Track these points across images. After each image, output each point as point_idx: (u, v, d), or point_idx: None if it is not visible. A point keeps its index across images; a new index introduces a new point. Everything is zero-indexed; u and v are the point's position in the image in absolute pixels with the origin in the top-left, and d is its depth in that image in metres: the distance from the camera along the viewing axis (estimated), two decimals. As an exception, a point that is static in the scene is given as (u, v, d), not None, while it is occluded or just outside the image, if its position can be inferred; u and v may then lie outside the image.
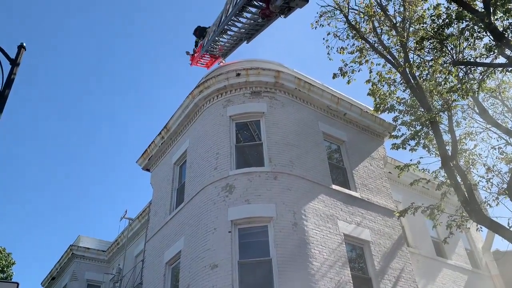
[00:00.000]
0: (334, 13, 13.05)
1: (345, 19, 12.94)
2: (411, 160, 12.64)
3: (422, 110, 11.85)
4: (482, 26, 9.33)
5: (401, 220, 14.12)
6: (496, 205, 11.87)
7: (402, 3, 12.56)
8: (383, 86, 12.64)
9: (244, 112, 13.34)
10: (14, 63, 7.33)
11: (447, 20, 9.97)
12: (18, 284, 5.42)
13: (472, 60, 10.66)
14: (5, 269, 21.02)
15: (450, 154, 11.27)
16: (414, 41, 11.73)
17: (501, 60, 10.37)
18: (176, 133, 15.41)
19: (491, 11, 8.99)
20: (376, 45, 12.74)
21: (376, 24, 12.96)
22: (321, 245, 11.08)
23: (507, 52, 9.42)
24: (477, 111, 12.31)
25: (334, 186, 12.77)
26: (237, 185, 11.81)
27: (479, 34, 9.99)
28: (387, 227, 13.19)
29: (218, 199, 11.74)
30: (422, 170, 12.94)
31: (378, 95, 12.54)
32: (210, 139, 13.18)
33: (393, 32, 12.68)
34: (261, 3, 9.04)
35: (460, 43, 10.46)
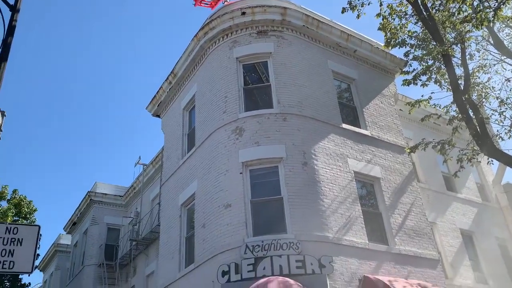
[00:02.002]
0: None
1: None
2: (422, 96, 12.44)
3: (434, 43, 11.48)
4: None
5: (411, 156, 14.18)
6: (508, 138, 11.77)
7: None
8: (394, 19, 12.16)
9: (251, 53, 13.09)
10: (14, 9, 7.17)
11: None
12: (39, 227, 5.65)
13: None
14: (27, 216, 21.90)
15: (462, 88, 11.05)
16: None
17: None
18: (183, 78, 15.28)
19: None
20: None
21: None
22: (331, 183, 11.25)
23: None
24: (492, 42, 11.89)
25: (344, 125, 12.74)
26: (247, 127, 11.84)
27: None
28: (398, 163, 13.27)
29: (229, 142, 11.83)
30: (433, 106, 12.77)
31: (388, 29, 12.10)
32: (217, 83, 13.06)
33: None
34: None
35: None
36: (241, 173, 11.26)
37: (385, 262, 10.92)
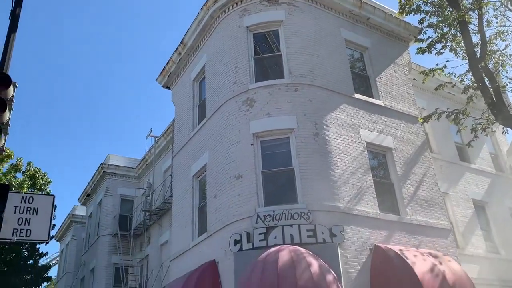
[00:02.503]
0: None
1: None
2: (436, 64, 12.15)
3: (450, 9, 11.13)
4: None
5: (424, 126, 14.00)
6: (525, 107, 11.53)
7: None
8: (409, -16, 11.78)
9: (262, 22, 12.84)
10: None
11: None
12: (54, 196, 5.73)
13: None
14: (42, 187, 22.33)
15: (478, 55, 10.77)
16: None
17: None
18: (193, 48, 15.12)
19: None
20: None
21: None
22: (343, 154, 11.20)
23: None
24: (511, 8, 11.48)
25: (356, 95, 12.57)
26: (257, 98, 11.74)
27: None
28: (410, 133, 13.13)
29: (239, 114, 11.78)
30: (448, 75, 12.49)
31: (403, -5, 11.75)
32: (227, 53, 12.90)
33: None
34: None
35: None
36: (252, 144, 11.25)
37: (396, 231, 10.95)
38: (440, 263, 10.15)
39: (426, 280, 9.34)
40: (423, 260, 10.02)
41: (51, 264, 29.67)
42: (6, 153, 20.11)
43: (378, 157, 12.34)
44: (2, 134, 4.99)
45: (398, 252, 9.96)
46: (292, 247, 9.53)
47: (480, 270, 12.65)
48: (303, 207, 10.22)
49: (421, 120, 12.59)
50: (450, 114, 11.66)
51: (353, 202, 10.65)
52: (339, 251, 9.80)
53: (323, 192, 10.44)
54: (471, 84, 11.88)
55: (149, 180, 21.06)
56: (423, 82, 12.99)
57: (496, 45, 12.19)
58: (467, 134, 13.30)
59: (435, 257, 10.43)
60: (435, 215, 12.02)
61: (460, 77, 12.41)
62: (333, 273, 9.16)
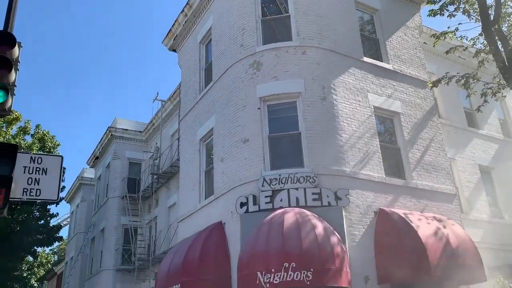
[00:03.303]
0: None
1: None
2: (448, 27, 11.86)
3: (465, -32, 10.74)
4: None
5: (433, 91, 13.82)
6: (537, 71, 11.27)
7: None
8: None
9: (269, -18, 12.49)
10: None
11: None
12: (62, 157, 5.80)
13: None
14: (51, 150, 22.60)
15: (492, 18, 10.46)
16: None
17: None
18: (199, 9, 14.82)
19: None
20: None
21: None
22: (350, 118, 11.14)
23: None
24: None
25: (365, 59, 12.36)
26: (265, 61, 11.59)
27: None
28: (419, 98, 12.98)
29: (246, 77, 11.67)
30: (460, 38, 12.20)
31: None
32: (234, 14, 12.64)
33: None
34: None
35: None
36: (259, 108, 11.20)
37: (401, 195, 11.03)
38: (444, 227, 10.26)
39: (429, 243, 9.47)
40: (427, 224, 10.13)
41: (62, 224, 30.44)
42: (14, 115, 20.28)
43: (386, 122, 12.27)
44: (9, 94, 4.99)
45: (403, 215, 10.07)
46: (297, 209, 9.66)
47: (484, 234, 12.78)
48: (309, 171, 10.28)
49: (430, 85, 12.40)
50: (460, 78, 11.47)
51: (359, 167, 10.69)
52: (343, 214, 9.93)
53: (329, 156, 10.47)
54: (483, 48, 11.62)
55: (156, 144, 21.21)
56: (434, 46, 12.71)
57: (511, 7, 11.82)
58: (477, 99, 13.13)
59: (439, 221, 10.54)
60: (440, 180, 12.05)
61: (472, 41, 12.12)
62: (338, 235, 9.32)
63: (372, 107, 11.75)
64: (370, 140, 11.23)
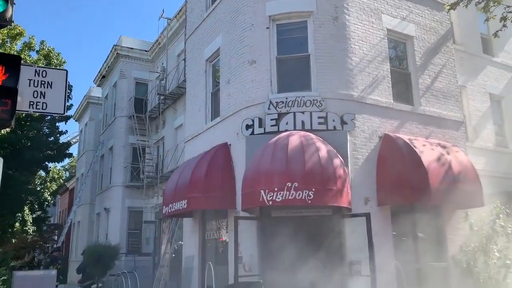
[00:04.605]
0: None
1: None
2: None
3: None
4: None
5: (450, 14, 13.19)
6: None
7: None
8: None
9: None
10: None
11: None
12: (67, 71, 5.74)
13: None
14: (57, 67, 22.44)
15: None
16: None
17: None
18: None
19: None
20: None
21: None
22: (361, 40, 10.78)
23: None
24: None
25: (381, -23, 11.67)
26: (275, -24, 10.98)
27: None
28: (435, 21, 12.45)
29: (255, -7, 11.13)
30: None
31: None
32: None
33: None
34: None
35: None
36: (267, 28, 10.84)
37: (408, 121, 11.00)
38: (448, 153, 10.34)
39: (432, 168, 9.60)
40: (431, 150, 10.20)
41: (72, 142, 31.10)
42: (17, 30, 19.87)
43: (398, 46, 11.90)
44: (8, 3, 4.81)
45: (407, 141, 10.11)
46: (302, 132, 9.71)
47: (487, 162, 12.89)
48: (316, 94, 10.18)
49: (448, 7, 11.77)
50: (480, 1, 10.87)
51: (367, 91, 10.55)
52: (348, 138, 9.99)
53: (338, 79, 10.30)
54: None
55: (162, 64, 20.91)
56: (456, -36, 11.89)
57: None
58: (495, 24, 12.54)
59: (444, 147, 10.60)
60: (449, 107, 11.93)
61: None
62: (341, 158, 9.44)
63: (385, 29, 11.32)
64: (381, 64, 10.96)
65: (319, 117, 10.02)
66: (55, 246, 24.03)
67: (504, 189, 12.66)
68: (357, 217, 9.28)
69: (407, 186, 9.52)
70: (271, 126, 10.19)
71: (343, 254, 9.41)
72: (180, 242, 14.21)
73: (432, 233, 10.59)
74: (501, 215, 10.40)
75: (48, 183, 37.81)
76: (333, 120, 10.02)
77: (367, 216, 8.97)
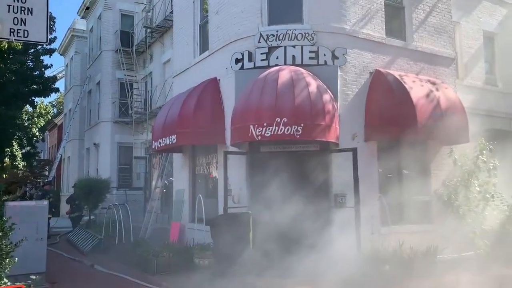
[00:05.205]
0: None
1: None
2: None
3: None
4: None
5: None
6: None
7: None
8: None
9: None
10: None
11: None
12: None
13: None
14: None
15: None
16: None
17: None
18: None
19: None
20: None
21: None
22: (356, -29, 10.36)
23: None
24: None
25: None
26: None
27: None
28: (433, -48, 11.93)
29: None
30: None
31: None
32: None
33: None
34: None
35: None
36: (258, -46, 10.31)
37: (399, 57, 10.89)
38: (437, 90, 10.35)
39: (420, 104, 9.65)
40: (421, 86, 10.20)
41: (58, 77, 30.40)
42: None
43: (394, -22, 11.48)
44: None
45: (398, 77, 10.06)
46: (292, 67, 9.59)
47: (475, 100, 12.96)
48: (307, 27, 9.94)
49: None
50: None
51: (360, 25, 10.32)
52: (339, 73, 9.90)
53: (330, 12, 10.02)
54: None
55: (149, -6, 20.01)
56: None
57: None
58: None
59: (433, 84, 10.59)
60: (441, 43, 11.78)
61: None
62: (330, 93, 9.42)
63: (381, -41, 10.86)
64: (375, -3, 10.63)
65: (310, 52, 9.86)
66: (46, 180, 24.29)
67: (490, 127, 12.90)
68: (344, 152, 9.43)
69: (395, 122, 9.60)
70: (261, 60, 10.02)
71: (329, 188, 9.68)
72: (170, 178, 14.43)
73: (417, 168, 10.86)
74: (484, 152, 10.64)
75: (36, 119, 37.47)
76: (324, 55, 9.87)
77: (354, 151, 9.12)
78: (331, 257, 8.01)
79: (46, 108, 42.32)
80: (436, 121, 9.77)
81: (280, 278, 8.09)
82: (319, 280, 7.87)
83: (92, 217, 17.12)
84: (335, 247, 8.37)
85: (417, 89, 9.96)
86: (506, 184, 10.43)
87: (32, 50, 22.40)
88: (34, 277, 6.49)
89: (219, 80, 11.01)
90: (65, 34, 29.94)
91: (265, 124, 8.82)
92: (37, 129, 34.48)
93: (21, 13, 5.27)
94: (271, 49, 9.99)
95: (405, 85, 9.80)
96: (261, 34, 10.04)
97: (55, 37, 22.86)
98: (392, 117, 9.65)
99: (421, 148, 10.53)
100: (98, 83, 23.06)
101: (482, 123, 12.03)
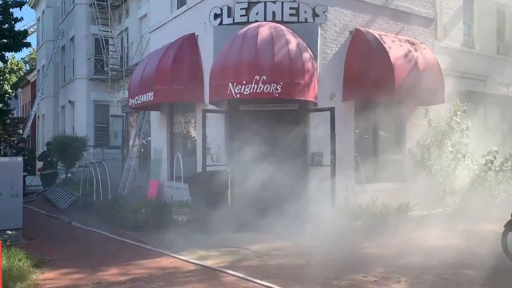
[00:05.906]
0: None
1: None
2: None
3: None
4: None
5: None
6: None
7: None
8: None
9: None
10: None
11: None
12: None
13: None
14: None
15: None
16: None
17: None
18: None
19: None
20: None
21: None
22: None
23: None
24: None
25: None
26: None
27: None
28: None
29: None
30: None
31: None
32: None
33: None
34: None
35: None
36: None
37: (379, 16, 10.81)
38: (415, 50, 10.38)
39: (398, 64, 9.68)
40: (400, 46, 10.20)
41: (29, 31, 29.11)
42: None
43: None
44: None
45: (377, 36, 10.02)
46: (272, 24, 9.41)
47: (452, 61, 13.07)
48: (288, -17, 9.69)
49: None
50: None
51: (341, -18, 10.13)
52: (319, 31, 9.80)
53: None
54: None
55: None
56: None
57: None
58: None
59: (412, 44, 10.60)
60: (421, 3, 11.73)
61: None
62: (310, 52, 9.34)
63: None
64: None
65: (290, 8, 9.68)
66: (20, 138, 23.75)
67: (465, 88, 13.10)
68: (322, 112, 9.48)
69: (373, 82, 9.64)
70: (241, 16, 9.81)
71: (307, 146, 9.79)
72: (148, 138, 14.31)
73: (393, 128, 11.07)
74: (458, 112, 10.87)
75: (8, 75, 36.16)
76: (305, 12, 9.71)
77: (332, 110, 9.18)
78: (307, 214, 8.23)
79: (18, 64, 40.80)
80: (413, 82, 9.86)
81: (256, 234, 8.29)
82: (294, 235, 8.10)
83: (69, 175, 16.96)
84: (311, 204, 8.58)
85: (396, 49, 9.96)
86: (478, 144, 10.75)
87: (1, 1, 21.29)
88: (10, 232, 6.47)
89: (197, 36, 10.76)
90: (36, -14, 28.47)
91: (244, 82, 8.74)
92: (9, 85, 33.34)
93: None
94: (251, 4, 9.76)
95: (384, 45, 9.78)
96: (240, -11, 9.77)
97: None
98: (370, 76, 9.68)
99: (397, 108, 10.67)
100: (72, 39, 22.24)
101: (458, 84, 12.21)
